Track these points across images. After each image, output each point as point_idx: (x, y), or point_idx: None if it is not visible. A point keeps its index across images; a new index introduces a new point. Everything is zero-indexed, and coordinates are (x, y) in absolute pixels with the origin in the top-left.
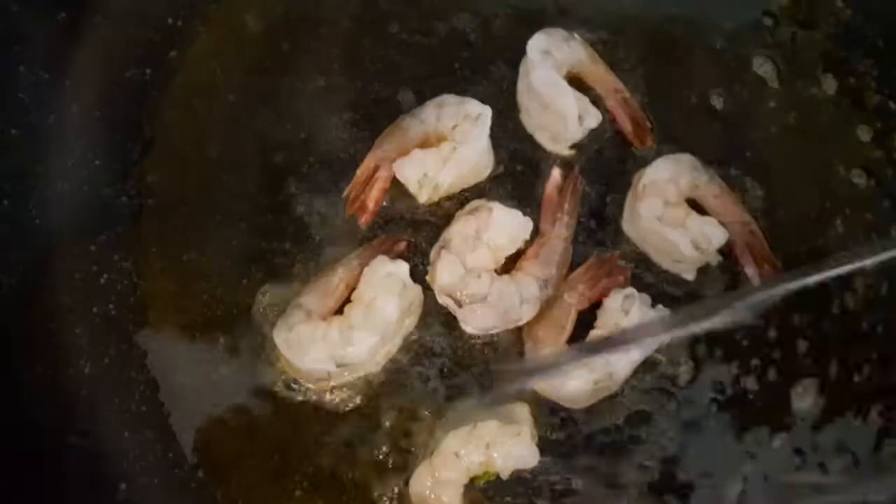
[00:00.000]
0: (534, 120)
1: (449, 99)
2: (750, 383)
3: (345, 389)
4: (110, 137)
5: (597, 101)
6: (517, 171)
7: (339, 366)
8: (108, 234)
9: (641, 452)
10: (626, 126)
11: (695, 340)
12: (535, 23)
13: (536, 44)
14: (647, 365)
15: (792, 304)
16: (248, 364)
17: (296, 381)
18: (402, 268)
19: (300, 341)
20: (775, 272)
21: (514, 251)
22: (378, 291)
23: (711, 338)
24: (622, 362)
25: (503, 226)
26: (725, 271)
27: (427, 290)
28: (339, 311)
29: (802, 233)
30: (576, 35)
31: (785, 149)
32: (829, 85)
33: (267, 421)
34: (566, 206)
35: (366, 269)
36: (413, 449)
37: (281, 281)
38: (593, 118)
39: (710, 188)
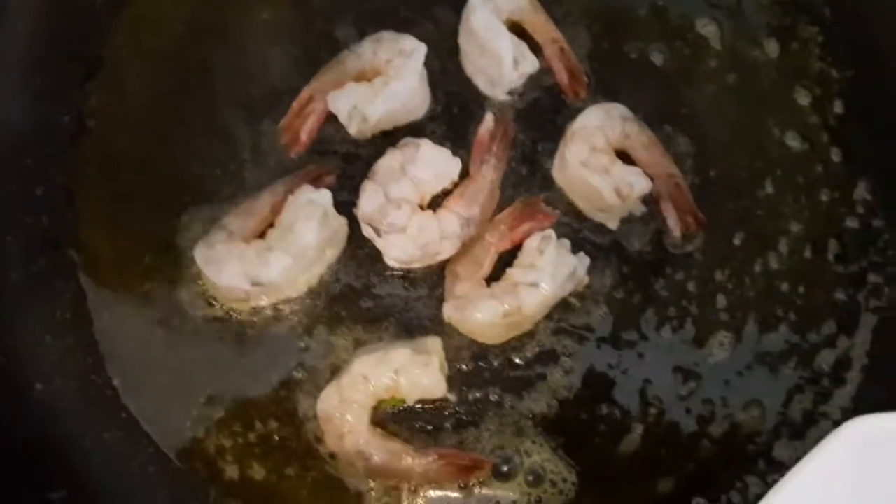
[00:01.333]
0: (472, 63)
1: (386, 35)
2: (665, 332)
3: (265, 311)
4: (55, 58)
5: (536, 51)
6: (454, 113)
7: (253, 285)
8: (47, 150)
9: (545, 391)
10: (562, 76)
11: (613, 287)
12: None
13: None
14: (564, 307)
15: (715, 262)
16: (172, 282)
17: (215, 299)
18: (325, 196)
19: (218, 259)
20: (698, 226)
21: (440, 189)
22: (298, 216)
23: (630, 287)
24: (531, 297)
25: (429, 162)
26: (649, 222)
27: (354, 224)
28: (263, 236)
29: (732, 191)
30: None
31: (721, 108)
32: (772, 49)
33: (185, 339)
34: (496, 149)
35: (290, 196)
36: (327, 372)
37: (209, 205)
38: (529, 64)
39: (639, 138)
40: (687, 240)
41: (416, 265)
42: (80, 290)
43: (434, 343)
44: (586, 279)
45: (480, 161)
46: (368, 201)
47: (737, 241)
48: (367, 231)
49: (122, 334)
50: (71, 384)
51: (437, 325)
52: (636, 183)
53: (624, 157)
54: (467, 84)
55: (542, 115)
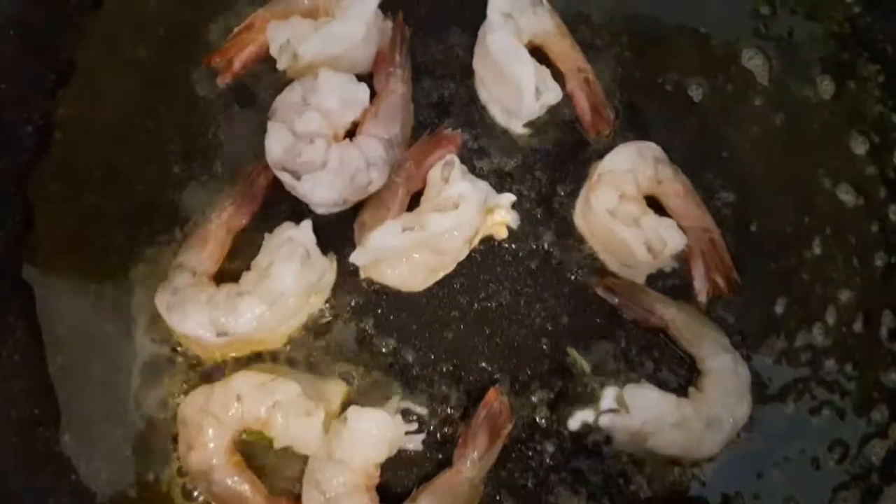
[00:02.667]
0: (488, 90)
1: None
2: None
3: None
4: (24, 61)
5: (558, 80)
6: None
7: (219, 335)
8: (5, 163)
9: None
10: (584, 112)
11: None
12: None
13: (499, 4)
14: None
15: (751, 331)
16: (132, 327)
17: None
18: (306, 232)
19: (182, 303)
20: (730, 290)
21: (350, 120)
22: (276, 257)
23: (652, 355)
24: (441, 221)
25: (333, 89)
26: (678, 279)
27: (344, 263)
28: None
29: (775, 250)
30: (545, 1)
31: (766, 153)
32: (826, 88)
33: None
34: (397, 57)
35: (267, 234)
36: None
37: (176, 235)
38: (552, 94)
39: (672, 185)
40: (721, 304)
41: (349, 203)
42: (34, 328)
43: (336, 390)
44: (510, 216)
45: (386, 74)
46: (276, 143)
47: (778, 309)
48: (284, 178)
49: (81, 382)
50: (12, 439)
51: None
52: (671, 239)
53: (652, 203)
54: (481, 113)
55: (563, 152)
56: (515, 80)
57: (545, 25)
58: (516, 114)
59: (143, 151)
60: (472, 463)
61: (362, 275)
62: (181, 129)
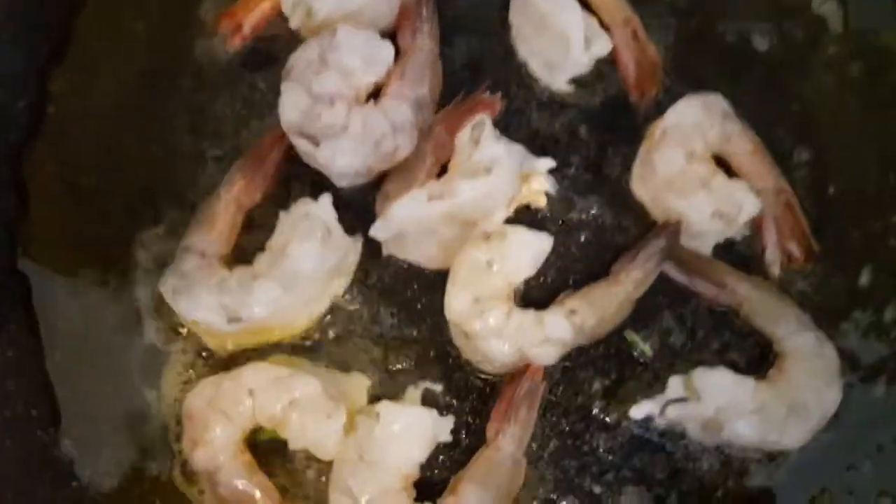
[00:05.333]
0: (527, 43)
1: None
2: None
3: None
4: (16, 33)
5: None
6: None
7: (231, 321)
8: None
9: None
10: (628, 69)
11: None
12: None
13: None
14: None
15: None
16: (135, 316)
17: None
18: (326, 207)
19: (189, 288)
20: (807, 258)
21: (373, 81)
22: (292, 235)
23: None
24: (470, 188)
25: (353, 47)
26: (745, 248)
27: (370, 242)
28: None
29: (855, 214)
30: None
31: (842, 107)
32: None
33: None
34: (423, 10)
35: (281, 212)
36: None
37: (184, 216)
38: (602, 44)
39: (742, 143)
40: (798, 276)
41: (373, 173)
42: (31, 320)
43: (358, 386)
44: (548, 183)
45: (412, 30)
46: (291, 105)
47: (863, 280)
48: (300, 145)
49: (82, 378)
50: (6, 443)
51: None
52: (745, 203)
53: (721, 163)
54: (519, 69)
55: (614, 110)
56: (561, 29)
57: None
58: (560, 68)
59: (144, 128)
60: (512, 437)
61: (384, 251)
62: (185, 101)
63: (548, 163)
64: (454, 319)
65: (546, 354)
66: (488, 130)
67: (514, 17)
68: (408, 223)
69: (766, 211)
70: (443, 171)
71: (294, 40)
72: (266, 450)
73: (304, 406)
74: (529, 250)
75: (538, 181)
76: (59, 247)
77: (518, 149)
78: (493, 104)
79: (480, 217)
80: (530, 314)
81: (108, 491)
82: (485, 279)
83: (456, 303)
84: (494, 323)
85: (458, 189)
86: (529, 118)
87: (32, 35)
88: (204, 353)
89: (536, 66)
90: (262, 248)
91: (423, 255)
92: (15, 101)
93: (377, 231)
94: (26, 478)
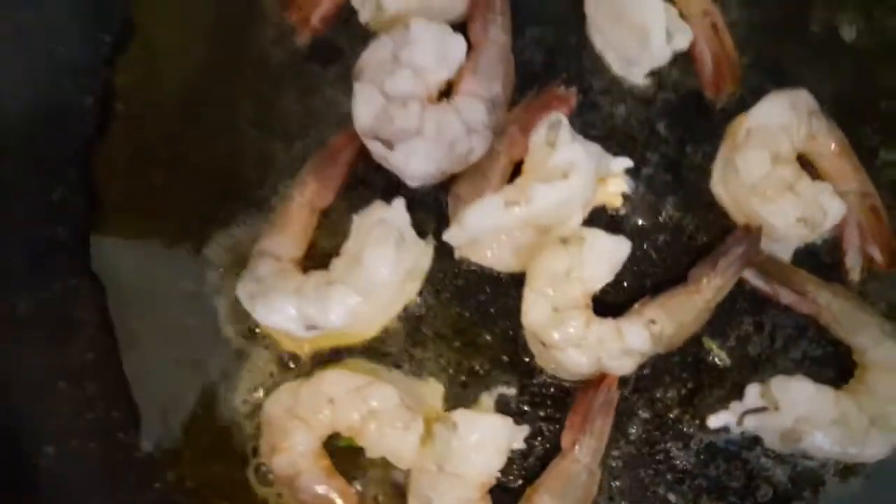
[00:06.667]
0: (604, 36)
1: None
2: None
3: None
4: (77, 23)
5: None
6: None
7: (308, 328)
8: (65, 141)
9: None
10: (705, 65)
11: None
12: None
13: None
14: None
15: None
16: (211, 317)
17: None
18: (400, 212)
19: (266, 294)
20: (890, 264)
21: (446, 79)
22: (367, 242)
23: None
24: (546, 194)
25: (427, 43)
26: (829, 254)
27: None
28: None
29: None
30: None
31: None
32: None
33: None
34: (497, 2)
35: (355, 217)
36: None
37: (261, 215)
38: (684, 36)
39: (827, 142)
40: (879, 283)
41: (446, 175)
42: (106, 323)
43: (433, 393)
44: (626, 184)
45: (483, 22)
46: (365, 108)
47: None
48: (374, 148)
49: (159, 380)
50: (90, 445)
51: None
52: (831, 208)
53: (802, 162)
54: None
55: (694, 107)
56: (640, 20)
57: None
58: (638, 61)
59: (212, 123)
60: (588, 448)
61: (457, 255)
62: (254, 96)
63: (625, 162)
64: (532, 328)
65: (625, 366)
66: (565, 131)
67: (590, 7)
68: (482, 229)
69: (849, 214)
70: (516, 170)
71: (362, 32)
72: (344, 454)
73: (382, 416)
74: (608, 256)
75: (615, 182)
76: (131, 248)
77: (595, 149)
78: (569, 99)
79: (556, 222)
80: (609, 324)
81: (188, 492)
82: (563, 287)
83: (534, 311)
84: (574, 333)
85: (535, 195)
86: (605, 114)
87: (94, 25)
88: (281, 356)
89: (612, 59)
90: (335, 251)
91: (497, 258)
92: (83, 96)
93: (451, 237)
94: (111, 480)
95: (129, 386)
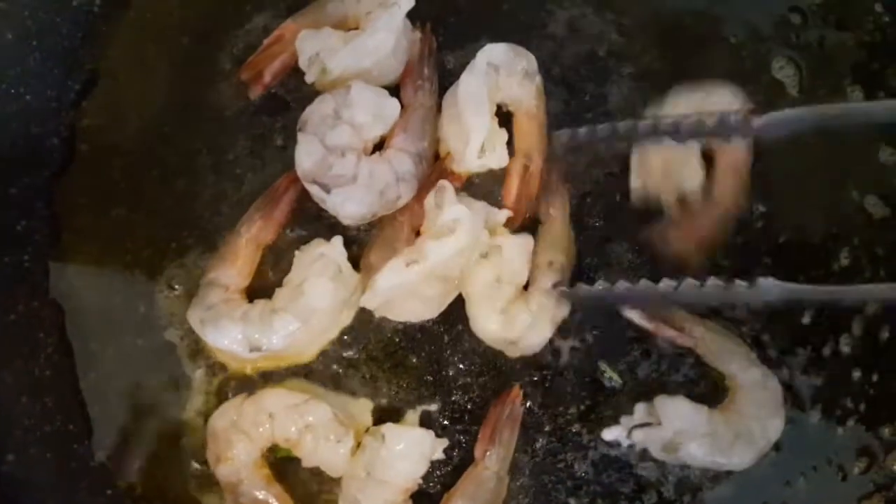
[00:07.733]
0: (444, 126)
1: None
2: None
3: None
4: (47, 71)
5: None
6: None
7: (252, 350)
8: (32, 177)
9: None
10: (510, 193)
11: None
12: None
13: (492, 53)
14: None
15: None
16: (161, 340)
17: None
18: (337, 248)
19: (216, 319)
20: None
21: (380, 134)
22: (308, 273)
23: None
24: (440, 248)
25: (365, 104)
26: None
27: None
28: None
29: (803, 260)
30: (538, 79)
31: (795, 163)
32: (856, 99)
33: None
34: (425, 70)
35: (297, 252)
36: None
37: (214, 249)
38: (496, 159)
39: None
40: (751, 317)
41: (377, 216)
42: (64, 344)
43: (363, 409)
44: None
45: (414, 88)
46: (306, 155)
47: (805, 320)
48: (313, 191)
49: (113, 396)
50: (48, 455)
51: None
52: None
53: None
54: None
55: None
56: (467, 126)
57: (524, 99)
58: (459, 161)
59: (170, 164)
60: (497, 457)
61: (377, 315)
62: (209, 141)
63: (506, 213)
64: (493, 338)
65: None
66: (449, 193)
67: (445, 99)
68: (392, 289)
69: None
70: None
71: (308, 90)
72: (281, 464)
73: (317, 430)
74: (522, 251)
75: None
76: (90, 275)
77: (480, 205)
78: (460, 177)
79: (456, 272)
80: (539, 293)
81: (137, 499)
82: (499, 293)
83: (486, 324)
84: (527, 319)
85: (430, 251)
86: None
87: (63, 73)
88: (226, 376)
89: (442, 149)
90: (279, 282)
91: (411, 312)
92: (49, 136)
93: (367, 301)
94: (66, 486)
95: (84, 401)
